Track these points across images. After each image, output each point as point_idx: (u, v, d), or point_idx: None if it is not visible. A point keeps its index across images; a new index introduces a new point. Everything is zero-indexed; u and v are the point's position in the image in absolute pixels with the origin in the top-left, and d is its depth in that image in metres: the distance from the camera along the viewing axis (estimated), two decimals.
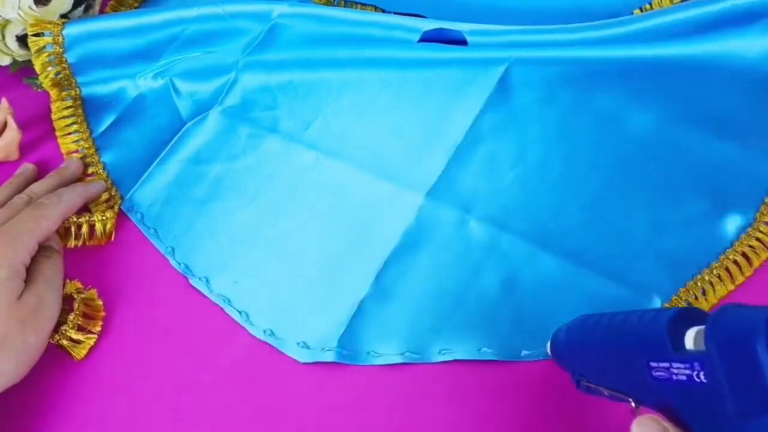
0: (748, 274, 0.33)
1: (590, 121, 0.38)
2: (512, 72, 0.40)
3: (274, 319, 0.34)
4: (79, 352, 0.34)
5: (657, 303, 0.32)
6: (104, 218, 0.38)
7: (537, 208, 0.36)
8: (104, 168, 0.41)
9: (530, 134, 0.38)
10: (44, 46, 0.42)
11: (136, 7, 0.50)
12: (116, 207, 0.39)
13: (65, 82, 0.43)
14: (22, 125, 0.42)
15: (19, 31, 0.43)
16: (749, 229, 0.34)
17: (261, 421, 0.32)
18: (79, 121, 0.43)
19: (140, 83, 0.44)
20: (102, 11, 0.47)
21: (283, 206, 0.38)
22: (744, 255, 0.33)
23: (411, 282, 0.34)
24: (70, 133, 0.42)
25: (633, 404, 0.22)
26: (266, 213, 0.38)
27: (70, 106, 0.43)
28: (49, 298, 0.32)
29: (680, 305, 0.32)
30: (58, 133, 0.42)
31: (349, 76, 0.42)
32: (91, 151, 0.42)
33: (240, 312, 0.35)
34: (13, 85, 0.45)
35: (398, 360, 0.32)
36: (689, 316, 0.20)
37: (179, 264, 0.37)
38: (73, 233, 0.37)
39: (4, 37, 0.43)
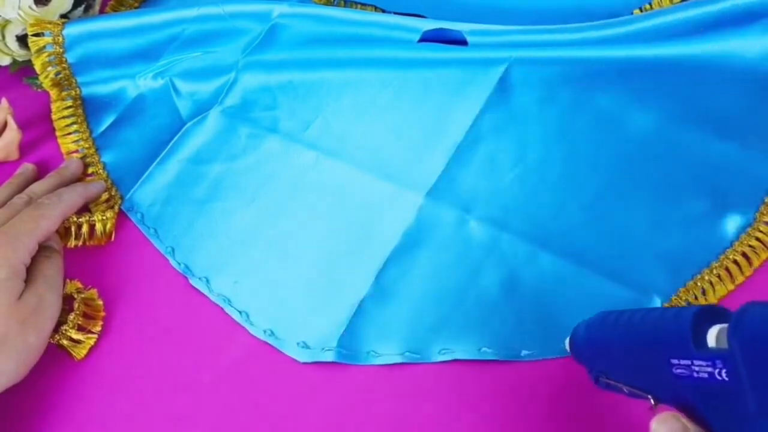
0: (748, 273, 0.33)
1: (590, 121, 0.38)
2: (512, 72, 0.40)
3: (274, 319, 0.34)
4: (79, 352, 0.34)
5: (657, 303, 0.32)
6: (104, 218, 0.38)
7: (537, 208, 0.36)
8: (104, 168, 0.41)
9: (530, 134, 0.38)
10: (44, 46, 0.42)
11: (136, 7, 0.50)
12: (116, 207, 0.39)
13: (65, 82, 0.43)
14: (22, 125, 0.42)
15: (19, 31, 0.43)
16: (749, 229, 0.34)
17: (261, 421, 0.32)
18: (79, 121, 0.43)
19: (140, 83, 0.44)
20: (102, 11, 0.47)
21: (283, 206, 0.38)
22: (744, 255, 0.33)
23: (411, 282, 0.34)
24: (70, 133, 0.42)
25: (652, 401, 0.22)
26: (266, 213, 0.38)
27: (70, 106, 0.43)
28: (50, 298, 0.32)
29: (680, 305, 0.32)
30: (58, 133, 0.42)
31: (349, 76, 0.42)
32: (91, 151, 0.42)
33: (240, 312, 0.35)
34: (13, 85, 0.45)
35: (398, 360, 0.32)
36: (712, 313, 0.20)
37: (179, 264, 0.37)
38: (73, 233, 0.37)
39: (4, 37, 0.43)
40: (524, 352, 0.32)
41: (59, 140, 0.42)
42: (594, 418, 0.30)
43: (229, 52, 0.43)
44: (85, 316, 0.34)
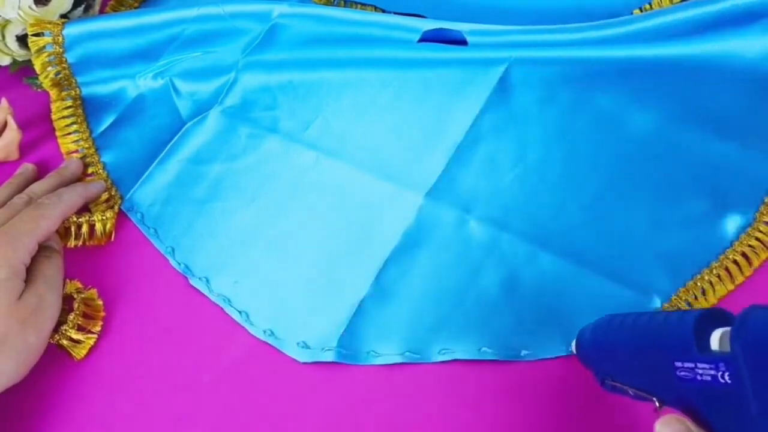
0: (747, 273, 0.33)
1: (590, 121, 0.38)
2: (512, 72, 0.40)
3: (274, 319, 0.34)
4: (79, 352, 0.34)
5: (657, 303, 0.32)
6: (104, 218, 0.38)
7: (537, 208, 0.36)
8: (104, 168, 0.41)
9: (530, 134, 0.38)
10: (44, 46, 0.42)
11: (136, 7, 0.50)
12: (116, 207, 0.39)
13: (65, 82, 0.43)
14: (22, 125, 0.42)
15: (19, 31, 0.43)
16: (749, 229, 0.34)
17: (261, 421, 0.32)
18: (79, 121, 0.43)
19: (140, 83, 0.44)
20: (102, 11, 0.47)
21: (283, 206, 0.38)
22: (744, 255, 0.33)
23: (411, 282, 0.34)
24: (70, 133, 0.42)
25: (657, 404, 0.22)
26: (266, 213, 0.38)
27: (70, 106, 0.43)
28: (49, 298, 0.32)
29: (680, 305, 0.32)
30: (58, 133, 0.42)
31: (349, 76, 0.42)
32: (91, 151, 0.42)
33: (240, 312, 0.35)
34: (13, 85, 0.45)
35: (398, 360, 0.32)
36: (715, 316, 0.20)
37: (179, 264, 0.37)
38: (73, 233, 0.37)
39: (4, 37, 0.43)
40: (524, 352, 0.32)
41: (59, 140, 0.42)
42: (594, 418, 0.30)
43: (229, 52, 0.43)
44: (85, 316, 0.34)
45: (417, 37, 0.41)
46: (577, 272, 0.33)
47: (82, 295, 0.35)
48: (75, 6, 0.44)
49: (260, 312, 0.35)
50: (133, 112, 0.43)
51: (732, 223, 0.34)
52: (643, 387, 0.23)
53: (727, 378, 0.19)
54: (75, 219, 0.37)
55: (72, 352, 0.34)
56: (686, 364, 0.20)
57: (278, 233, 0.37)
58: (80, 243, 0.38)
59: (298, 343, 0.33)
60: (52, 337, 0.33)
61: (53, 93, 0.43)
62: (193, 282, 0.36)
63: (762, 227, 0.34)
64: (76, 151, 0.42)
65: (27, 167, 0.41)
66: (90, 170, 0.41)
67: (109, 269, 0.37)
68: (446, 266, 0.35)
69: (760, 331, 0.18)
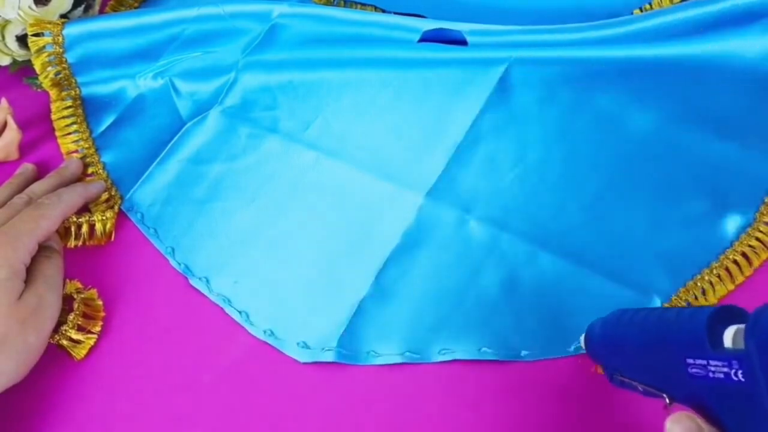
0: (748, 273, 0.33)
1: (590, 121, 0.38)
2: (512, 72, 0.40)
3: (274, 319, 0.34)
4: (79, 352, 0.34)
5: (657, 303, 0.32)
6: (104, 218, 0.38)
7: (537, 208, 0.36)
8: (104, 168, 0.41)
9: (530, 134, 0.38)
10: (44, 46, 0.42)
11: (136, 7, 0.50)
12: (116, 207, 0.39)
13: (65, 82, 0.43)
14: (22, 125, 0.42)
15: (19, 31, 0.43)
16: (749, 229, 0.34)
17: (261, 421, 0.32)
18: (79, 121, 0.43)
19: (140, 83, 0.44)
20: (102, 11, 0.47)
21: (283, 206, 0.38)
22: (744, 255, 0.33)
23: (411, 282, 0.34)
24: (70, 133, 0.42)
25: (667, 400, 0.22)
26: (266, 213, 0.38)
27: (70, 106, 0.43)
28: (49, 298, 0.32)
29: (680, 305, 0.32)
30: (58, 133, 0.42)
31: (349, 76, 0.42)
32: (91, 151, 0.42)
33: (240, 312, 0.35)
34: (13, 85, 0.45)
35: (398, 360, 0.32)
36: (729, 313, 0.20)
37: (179, 264, 0.37)
38: (73, 233, 0.37)
39: (4, 37, 0.43)
40: (524, 352, 0.32)
41: (59, 140, 0.42)
42: (594, 418, 0.30)
43: (229, 52, 0.43)
44: (85, 316, 0.34)
45: (417, 37, 0.41)
46: (577, 272, 0.33)
47: (82, 295, 0.35)
48: (75, 6, 0.44)
49: (260, 312, 0.35)
50: (133, 112, 0.43)
51: (732, 223, 0.34)
52: (653, 383, 0.23)
53: (740, 376, 0.19)
54: (75, 219, 0.37)
55: (72, 352, 0.34)
56: (698, 361, 0.20)
57: (278, 233, 0.37)
58: (80, 243, 0.38)
59: (298, 343, 0.33)
60: (52, 337, 0.33)
61: (53, 93, 0.43)
62: (193, 282, 0.36)
63: (762, 227, 0.34)
64: (76, 151, 0.42)
65: (27, 167, 0.41)
66: (90, 170, 0.41)
67: (109, 269, 0.37)
68: (446, 266, 0.35)
69: None
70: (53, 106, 0.43)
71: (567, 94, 0.39)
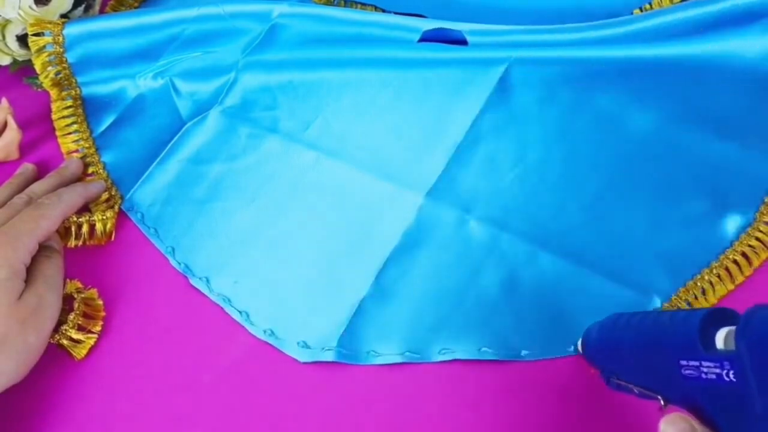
0: (747, 273, 0.33)
1: (590, 121, 0.38)
2: (512, 72, 0.40)
3: (274, 319, 0.34)
4: (80, 352, 0.34)
5: (657, 303, 0.32)
6: (104, 218, 0.38)
7: (537, 208, 0.36)
8: (104, 168, 0.41)
9: (530, 134, 0.38)
10: (44, 46, 0.42)
11: (136, 7, 0.50)
12: (116, 207, 0.39)
13: (65, 82, 0.43)
14: (22, 125, 0.42)
15: (19, 30, 0.43)
16: (749, 229, 0.34)
17: (261, 421, 0.32)
18: (79, 120, 0.43)
19: (140, 83, 0.44)
20: (102, 11, 0.47)
21: (283, 206, 0.38)
22: (744, 255, 0.33)
23: (411, 282, 0.34)
24: (70, 133, 0.42)
25: (662, 402, 0.22)
26: (266, 213, 0.38)
27: (70, 106, 0.43)
28: (50, 298, 0.32)
29: (680, 305, 0.32)
30: (58, 133, 0.42)
31: (349, 76, 0.42)
32: (91, 150, 0.42)
33: (240, 312, 0.35)
34: (13, 85, 0.45)
35: (398, 360, 0.32)
36: (721, 315, 0.20)
37: (179, 264, 0.37)
38: (73, 233, 0.37)
39: (4, 36, 0.43)
40: (524, 352, 0.32)
41: (59, 140, 0.42)
42: (594, 418, 0.30)
43: (229, 52, 0.43)
44: (85, 316, 0.34)
45: (417, 37, 0.41)
46: (577, 272, 0.33)
47: (83, 295, 0.35)
48: (75, 6, 0.44)
49: (260, 312, 0.35)
50: (133, 112, 0.43)
51: (732, 223, 0.34)
52: (649, 385, 0.23)
53: (732, 377, 0.19)
54: (75, 219, 0.37)
55: (72, 352, 0.34)
56: (691, 363, 0.20)
57: (278, 233, 0.37)
58: (80, 243, 0.38)
59: (298, 343, 0.33)
60: (52, 337, 0.33)
61: (53, 93, 0.43)
62: (193, 282, 0.36)
63: (762, 227, 0.34)
64: (77, 151, 0.42)
65: (27, 167, 0.41)
66: (90, 170, 0.41)
67: (109, 269, 0.37)
68: (446, 266, 0.35)
69: (766, 330, 0.18)
70: (53, 106, 0.43)
71: (567, 94, 0.39)
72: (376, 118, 0.41)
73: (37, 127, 0.43)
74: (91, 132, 0.43)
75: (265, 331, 0.34)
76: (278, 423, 0.31)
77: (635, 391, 0.24)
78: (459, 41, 0.41)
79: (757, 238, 0.33)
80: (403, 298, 0.34)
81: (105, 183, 0.40)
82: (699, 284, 0.33)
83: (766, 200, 0.34)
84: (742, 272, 0.33)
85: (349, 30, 0.42)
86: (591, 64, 0.39)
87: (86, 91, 0.44)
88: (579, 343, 0.29)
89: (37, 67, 0.42)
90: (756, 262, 0.33)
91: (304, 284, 0.35)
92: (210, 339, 0.34)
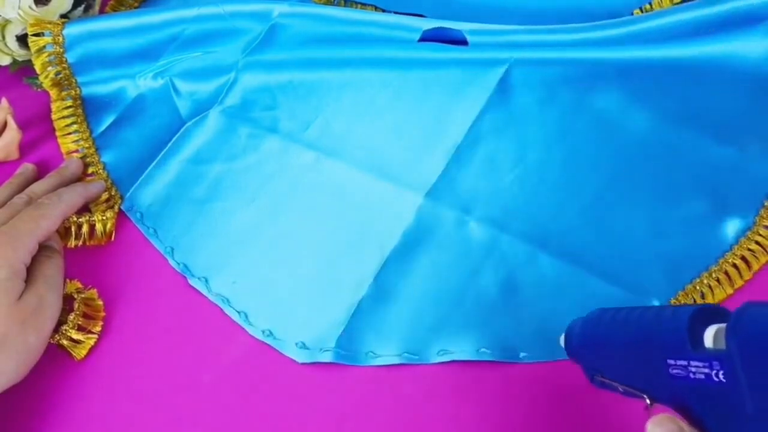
0: (747, 277, 0.33)
1: (590, 122, 0.38)
2: (512, 72, 0.40)
3: (273, 320, 0.34)
4: (80, 352, 0.34)
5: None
6: (104, 218, 0.38)
7: (536, 209, 0.36)
8: (104, 168, 0.41)
9: (530, 135, 0.38)
10: (44, 46, 0.42)
11: (136, 7, 0.50)
12: (116, 207, 0.39)
13: (65, 82, 0.43)
14: (22, 125, 0.42)
15: (19, 30, 0.43)
16: (749, 233, 0.34)
17: (261, 421, 0.32)
18: (79, 121, 0.43)
19: (140, 83, 0.44)
20: (102, 11, 0.47)
21: (282, 206, 0.38)
22: (743, 258, 0.33)
23: (410, 282, 0.34)
24: (70, 133, 0.42)
25: (648, 401, 0.22)
26: (266, 213, 0.38)
27: (70, 106, 0.43)
28: (50, 299, 0.32)
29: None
30: (58, 133, 0.42)
31: (349, 76, 0.42)
32: (91, 150, 0.42)
33: (239, 312, 0.35)
34: (13, 85, 0.45)
35: (396, 361, 0.32)
36: (709, 313, 0.20)
37: (178, 264, 0.37)
38: (73, 233, 0.38)
39: (4, 37, 0.43)
40: (523, 354, 0.32)
41: (59, 140, 0.42)
42: (594, 419, 0.30)
43: (229, 52, 0.43)
44: (85, 316, 0.34)
45: (417, 36, 0.41)
46: (576, 274, 0.33)
47: (83, 295, 0.35)
48: (75, 6, 0.44)
49: (259, 312, 0.35)
50: (133, 112, 0.43)
51: (732, 227, 0.34)
52: (634, 384, 0.23)
53: (721, 377, 0.18)
54: (75, 219, 0.38)
55: (72, 352, 0.34)
56: (679, 362, 0.20)
57: (278, 233, 0.37)
58: (80, 243, 0.38)
59: (296, 344, 0.33)
60: (52, 337, 0.33)
61: (53, 93, 0.43)
62: (192, 282, 0.36)
63: (762, 231, 0.33)
64: (76, 151, 0.42)
65: (27, 167, 0.41)
66: (90, 170, 0.41)
67: (109, 269, 0.37)
68: (445, 267, 0.35)
69: (757, 328, 0.17)
70: (53, 106, 0.43)
71: (567, 95, 0.39)
72: (376, 118, 0.41)
73: (37, 127, 0.43)
74: (91, 132, 0.43)
75: (263, 332, 0.34)
76: (277, 423, 0.32)
77: (620, 389, 0.23)
78: (459, 41, 0.41)
79: (757, 242, 0.33)
80: (402, 298, 0.34)
81: (105, 183, 0.40)
82: (698, 288, 0.32)
83: (766, 204, 0.34)
84: (741, 276, 0.33)
85: (349, 30, 0.42)
86: (591, 65, 0.39)
87: (86, 91, 0.44)
88: (561, 338, 0.28)
89: (37, 67, 0.42)
90: (756, 266, 0.33)
91: (303, 285, 0.35)
92: (209, 339, 0.34)
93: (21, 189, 0.38)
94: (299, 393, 0.32)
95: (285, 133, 0.41)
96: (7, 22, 0.42)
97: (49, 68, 0.42)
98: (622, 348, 0.23)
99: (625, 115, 0.38)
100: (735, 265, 0.33)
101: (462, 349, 0.32)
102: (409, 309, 0.34)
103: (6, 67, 0.45)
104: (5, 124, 0.41)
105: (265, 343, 0.34)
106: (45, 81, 0.43)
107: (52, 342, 0.33)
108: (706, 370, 0.19)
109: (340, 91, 0.42)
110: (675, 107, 0.38)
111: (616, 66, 0.39)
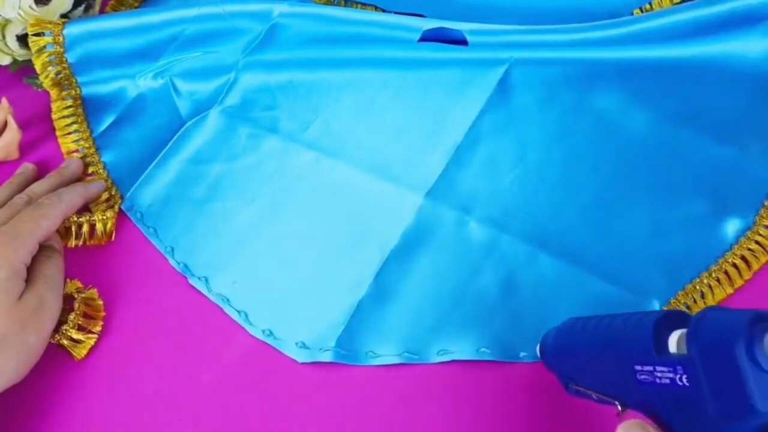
0: (747, 277, 0.33)
1: (590, 122, 0.38)
2: (512, 72, 0.40)
3: (273, 319, 0.34)
4: (80, 352, 0.34)
5: (655, 306, 0.32)
6: (104, 218, 0.38)
7: (536, 209, 0.36)
8: (104, 168, 0.41)
9: (530, 135, 0.38)
10: (45, 46, 0.42)
11: (136, 7, 0.50)
12: (116, 207, 0.39)
13: (65, 82, 0.43)
14: (22, 125, 0.42)
15: (19, 30, 0.43)
16: (749, 233, 0.34)
17: (261, 421, 0.32)
18: (79, 120, 0.43)
19: (140, 83, 0.44)
20: (102, 11, 0.47)
21: (282, 206, 0.38)
22: (743, 258, 0.33)
23: (410, 282, 0.34)
24: (70, 133, 0.42)
25: (619, 407, 0.22)
26: (266, 213, 0.38)
27: (70, 106, 0.43)
28: (50, 299, 0.32)
29: (679, 308, 0.32)
30: (58, 133, 0.42)
31: (349, 76, 0.42)
32: (91, 150, 0.42)
33: (239, 312, 0.35)
34: (13, 85, 0.45)
35: (396, 360, 0.32)
36: (674, 319, 0.20)
37: (178, 263, 0.37)
38: (73, 233, 0.38)
39: (4, 36, 0.43)
40: (522, 353, 0.32)
41: (59, 140, 0.42)
42: (594, 419, 0.30)
43: (229, 52, 0.43)
44: (86, 316, 0.35)
45: (417, 36, 0.41)
46: (576, 274, 0.33)
47: (83, 295, 0.35)
48: (75, 6, 0.44)
49: (259, 312, 0.35)
50: (133, 111, 0.43)
51: (732, 226, 0.34)
52: (606, 391, 0.23)
53: (684, 380, 0.19)
54: (75, 219, 0.38)
55: (72, 352, 0.34)
56: (645, 368, 0.20)
57: (277, 233, 0.37)
58: (81, 243, 0.38)
59: (296, 343, 0.33)
60: (52, 336, 0.33)
61: (53, 93, 0.43)
62: (192, 282, 0.36)
63: (762, 231, 0.33)
64: (77, 151, 0.42)
65: (27, 167, 0.41)
66: (90, 170, 0.41)
67: (109, 269, 0.37)
68: (445, 267, 0.35)
69: (715, 333, 0.18)
70: (54, 106, 0.43)
71: (567, 95, 0.39)
72: (376, 118, 0.41)
73: (37, 127, 0.43)
74: (91, 132, 0.43)
75: (263, 332, 0.34)
76: (277, 423, 0.32)
77: (593, 396, 0.24)
78: (459, 41, 0.41)
79: (757, 242, 0.33)
80: (402, 298, 0.34)
81: (105, 183, 0.40)
82: (698, 288, 0.32)
83: (766, 203, 0.34)
84: (741, 276, 0.33)
85: (349, 30, 0.42)
86: (591, 65, 0.39)
87: (86, 91, 0.44)
88: (537, 348, 0.29)
89: (38, 67, 0.42)
90: (756, 266, 0.33)
91: (303, 284, 0.35)
92: (209, 339, 0.34)
93: (21, 189, 0.38)
94: (299, 393, 0.32)
95: (285, 133, 0.41)
96: (7, 21, 0.42)
97: (50, 68, 0.42)
98: (593, 356, 0.24)
99: (625, 115, 0.38)
100: (735, 265, 0.33)
101: (462, 349, 0.32)
102: (409, 309, 0.34)
103: (6, 67, 0.45)
104: (5, 124, 0.41)
105: (265, 343, 0.34)
106: (45, 81, 0.43)
107: (52, 342, 0.33)
108: (671, 375, 0.19)
109: (340, 91, 0.42)
110: (675, 107, 0.38)
111: (616, 66, 0.39)
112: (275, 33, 0.43)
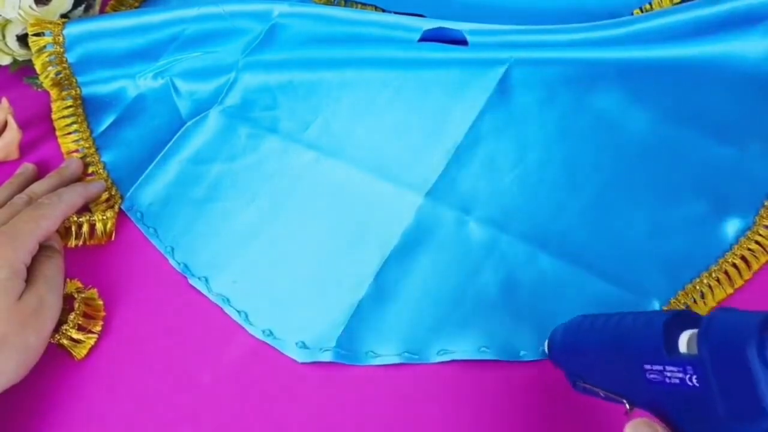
0: (747, 277, 0.33)
1: (590, 122, 0.38)
2: (512, 73, 0.40)
3: (273, 319, 0.34)
4: (80, 352, 0.34)
5: (655, 306, 0.32)
6: (104, 218, 0.38)
7: (536, 209, 0.36)
8: (104, 168, 0.41)
9: (530, 135, 0.38)
10: (45, 46, 0.42)
11: (136, 7, 0.50)
12: (116, 206, 0.39)
13: (65, 82, 0.43)
14: (22, 125, 0.42)
15: (19, 30, 0.43)
16: (749, 233, 0.34)
17: (261, 421, 0.32)
18: (79, 120, 0.43)
19: (140, 83, 0.44)
20: (102, 11, 0.47)
21: (282, 206, 0.38)
22: (743, 258, 0.33)
23: (410, 282, 0.34)
24: (70, 133, 0.42)
25: (627, 406, 0.22)
26: (266, 213, 0.38)
27: (70, 106, 0.43)
28: (50, 299, 0.32)
29: (679, 308, 0.32)
30: (58, 133, 0.42)
31: (349, 76, 0.42)
32: (92, 150, 0.42)
33: (239, 312, 0.35)
34: (13, 85, 0.45)
35: (396, 360, 0.32)
36: (684, 318, 0.20)
37: (178, 263, 0.37)
38: (73, 233, 0.38)
39: (4, 36, 0.43)
40: (523, 353, 0.32)
41: (59, 140, 0.42)
42: (593, 419, 0.30)
43: (229, 52, 0.43)
44: (86, 315, 0.35)
45: (417, 36, 0.41)
46: (575, 274, 0.33)
47: (83, 295, 0.35)
48: (75, 6, 0.44)
49: (259, 312, 0.35)
50: (133, 111, 0.43)
51: (732, 227, 0.34)
52: (614, 389, 0.23)
53: (694, 381, 0.19)
54: (75, 219, 0.38)
55: (72, 352, 0.34)
56: (655, 367, 0.20)
57: (277, 233, 0.37)
58: (81, 243, 0.38)
59: (296, 343, 0.33)
60: (52, 336, 0.33)
61: (53, 93, 0.43)
62: (192, 281, 0.36)
63: (762, 231, 0.33)
64: (77, 151, 0.42)
65: (27, 167, 0.41)
66: (90, 170, 0.41)
67: (109, 269, 0.37)
68: (445, 267, 0.35)
69: (726, 334, 0.18)
70: (54, 106, 0.43)
71: (567, 96, 0.39)
72: (376, 118, 0.41)
73: (37, 127, 0.43)
74: (91, 132, 0.43)
75: (263, 332, 0.34)
76: (277, 423, 0.32)
77: (601, 394, 0.24)
78: (459, 41, 0.41)
79: (757, 242, 0.33)
80: (402, 298, 0.34)
81: (105, 183, 0.40)
82: (698, 288, 0.32)
83: (766, 204, 0.34)
84: (741, 276, 0.33)
85: (349, 30, 0.42)
86: (591, 65, 0.39)
87: (86, 91, 0.44)
88: (545, 344, 0.29)
89: (38, 67, 0.42)
90: (756, 266, 0.33)
91: (303, 284, 0.35)
92: (209, 339, 0.34)
93: (21, 189, 0.38)
94: (298, 393, 0.32)
95: (285, 133, 0.41)
96: (7, 21, 0.42)
97: (50, 68, 0.42)
98: (602, 354, 0.24)
99: (625, 115, 0.38)
100: (735, 265, 0.33)
101: (462, 349, 0.32)
102: (409, 309, 0.34)
103: (6, 67, 0.45)
104: (5, 124, 0.41)
105: (265, 343, 0.34)
106: (45, 81, 0.43)
107: (52, 342, 0.33)
108: (681, 375, 0.19)
109: (340, 91, 0.42)
110: (675, 107, 0.38)
111: (616, 66, 0.39)
112: (275, 33, 0.43)
